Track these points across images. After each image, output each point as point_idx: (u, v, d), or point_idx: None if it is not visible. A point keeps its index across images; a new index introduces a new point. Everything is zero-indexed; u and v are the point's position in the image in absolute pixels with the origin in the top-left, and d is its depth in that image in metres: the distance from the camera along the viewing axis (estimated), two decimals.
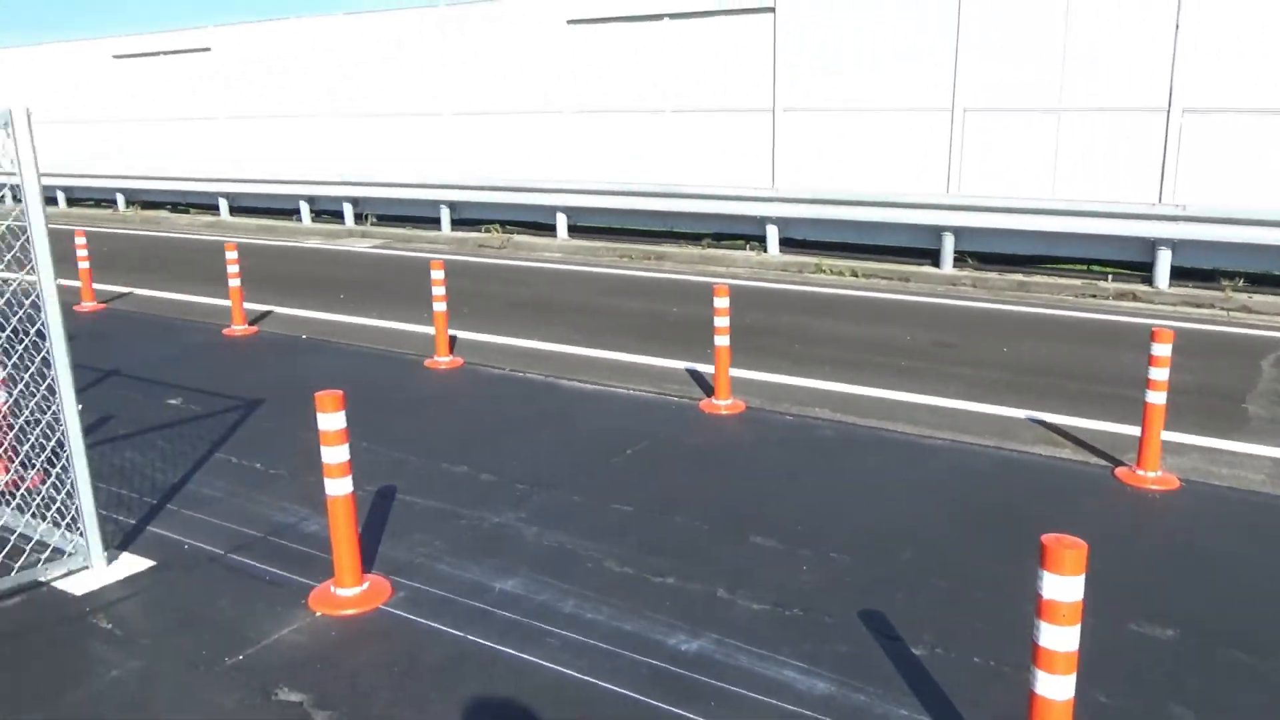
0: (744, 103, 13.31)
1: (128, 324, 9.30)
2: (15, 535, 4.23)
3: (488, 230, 15.43)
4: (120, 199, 20.70)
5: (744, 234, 13.50)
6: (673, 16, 13.71)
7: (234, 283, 8.84)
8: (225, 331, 8.82)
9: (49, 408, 4.11)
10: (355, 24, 16.80)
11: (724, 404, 6.27)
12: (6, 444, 4.82)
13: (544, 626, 3.62)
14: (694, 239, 13.89)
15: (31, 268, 3.86)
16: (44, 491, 4.29)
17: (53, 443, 4.15)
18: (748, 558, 4.19)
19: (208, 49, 18.74)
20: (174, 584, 4.02)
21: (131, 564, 4.16)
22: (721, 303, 6.20)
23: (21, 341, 4.09)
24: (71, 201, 21.72)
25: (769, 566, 4.10)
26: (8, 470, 4.85)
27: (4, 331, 4.10)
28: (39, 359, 4.04)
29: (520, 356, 7.84)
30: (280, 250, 14.65)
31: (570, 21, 14.51)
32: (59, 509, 4.17)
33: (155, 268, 12.92)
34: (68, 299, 3.99)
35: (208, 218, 19.03)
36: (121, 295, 10.88)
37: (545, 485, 5.02)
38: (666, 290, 10.91)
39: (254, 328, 8.98)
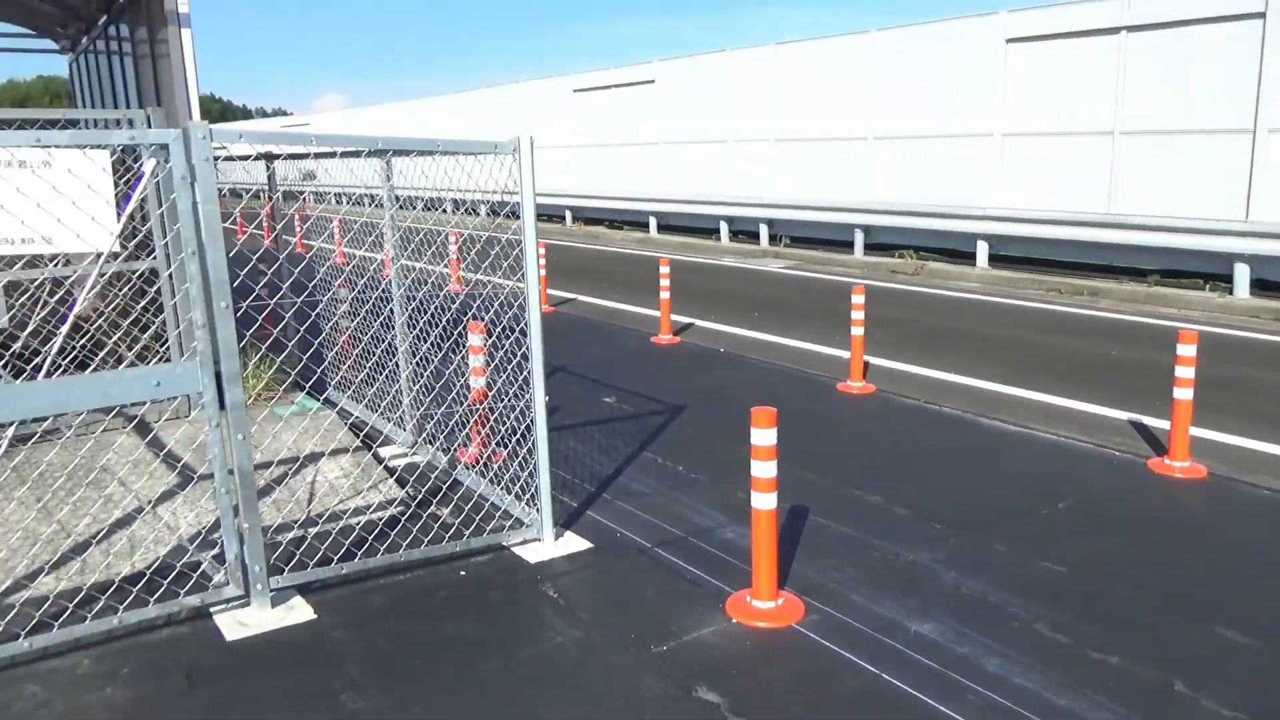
0: (1212, 122, 11.62)
1: (573, 326, 10.47)
2: (488, 504, 4.92)
3: (900, 256, 15.10)
4: (568, 215, 23.46)
5: (1202, 272, 11.78)
6: (1131, 29, 12.38)
7: (664, 295, 9.55)
8: (653, 339, 9.55)
9: (523, 396, 4.72)
10: (781, 54, 17.39)
11: (1180, 466, 5.47)
12: (490, 424, 5.61)
13: (965, 681, 3.40)
14: (1137, 275, 12.40)
15: (522, 275, 4.46)
16: (512, 468, 4.93)
17: (523, 427, 4.76)
18: (1212, 650, 3.59)
19: (651, 81, 20.56)
20: (608, 568, 4.39)
21: (573, 543, 4.63)
22: (1187, 350, 5.42)
23: (509, 337, 4.75)
24: None
25: (1242, 667, 3.48)
26: (486, 446, 5.66)
27: (497, 327, 4.78)
28: (520, 354, 4.66)
29: (934, 388, 7.53)
30: (699, 266, 15.60)
31: (1010, 40, 13.72)
32: (522, 485, 4.77)
33: (594, 277, 14.42)
34: None
35: (638, 234, 20.85)
36: (567, 300, 12.28)
37: (965, 527, 4.74)
38: (1102, 329, 9.85)
39: (678, 338, 9.62)
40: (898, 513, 4.96)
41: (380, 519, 4.78)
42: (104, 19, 8.11)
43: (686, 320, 10.50)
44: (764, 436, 3.87)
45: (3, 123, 5.84)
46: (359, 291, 6.40)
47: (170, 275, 5.94)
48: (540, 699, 3.34)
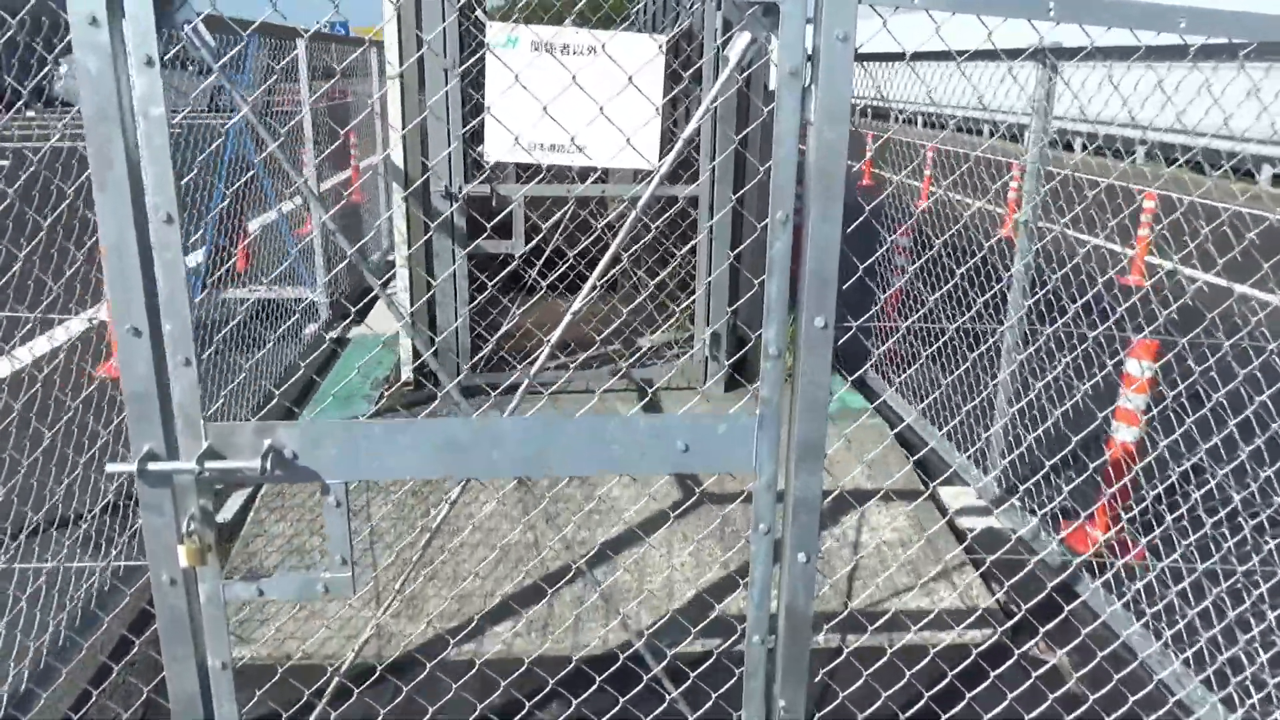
0: None
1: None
2: (1117, 640, 2.87)
3: None
4: None
5: None
6: None
7: None
8: None
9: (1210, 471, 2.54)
10: None
11: None
12: (1132, 502, 3.44)
13: None
14: None
15: None
16: (1166, 597, 2.79)
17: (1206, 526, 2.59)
18: None
19: None
20: None
21: None
22: None
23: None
24: None
25: None
26: (1120, 535, 3.53)
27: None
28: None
29: None
30: None
31: None
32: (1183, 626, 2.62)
33: None
34: None
35: None
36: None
37: None
38: None
39: None
40: None
41: (951, 646, 2.97)
42: None
43: None
44: None
45: None
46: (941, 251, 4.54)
47: (711, 220, 4.64)
48: None
